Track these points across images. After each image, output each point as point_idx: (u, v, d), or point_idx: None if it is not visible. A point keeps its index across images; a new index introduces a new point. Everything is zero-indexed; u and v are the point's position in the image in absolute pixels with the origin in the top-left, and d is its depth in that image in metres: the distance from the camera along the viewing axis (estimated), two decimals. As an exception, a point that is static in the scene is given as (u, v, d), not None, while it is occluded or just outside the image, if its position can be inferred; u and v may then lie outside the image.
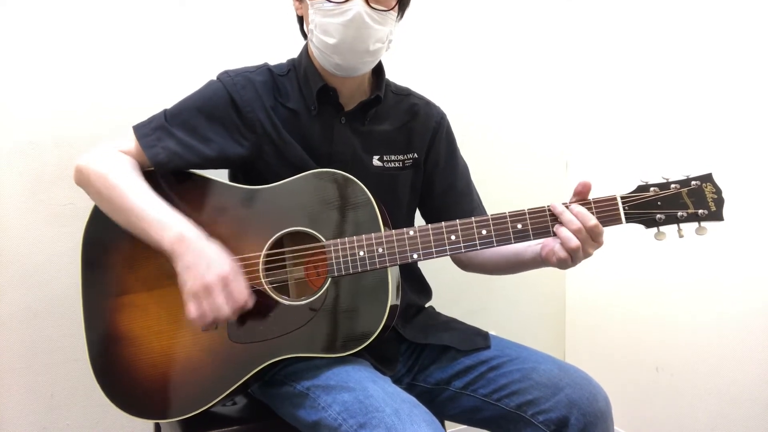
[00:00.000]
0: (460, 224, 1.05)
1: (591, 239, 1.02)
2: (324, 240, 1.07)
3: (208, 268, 0.98)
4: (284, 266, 1.12)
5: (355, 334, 1.05)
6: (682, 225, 1.02)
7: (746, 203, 1.44)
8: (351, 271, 1.05)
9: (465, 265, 1.36)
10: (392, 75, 1.31)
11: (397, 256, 1.05)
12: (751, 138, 1.47)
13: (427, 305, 1.35)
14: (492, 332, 1.24)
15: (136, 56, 1.43)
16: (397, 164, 1.25)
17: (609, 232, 1.04)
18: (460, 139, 1.36)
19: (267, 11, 1.53)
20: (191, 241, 1.00)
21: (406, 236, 1.05)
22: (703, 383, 1.61)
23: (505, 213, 1.04)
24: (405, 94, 1.31)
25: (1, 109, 1.33)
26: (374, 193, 1.08)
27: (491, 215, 1.05)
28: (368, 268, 1.05)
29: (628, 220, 1.03)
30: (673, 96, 1.65)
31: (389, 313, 1.05)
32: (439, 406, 1.20)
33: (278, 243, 1.10)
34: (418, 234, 1.05)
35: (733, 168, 1.43)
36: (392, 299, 1.06)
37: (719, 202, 1.01)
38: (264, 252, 1.08)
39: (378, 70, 1.25)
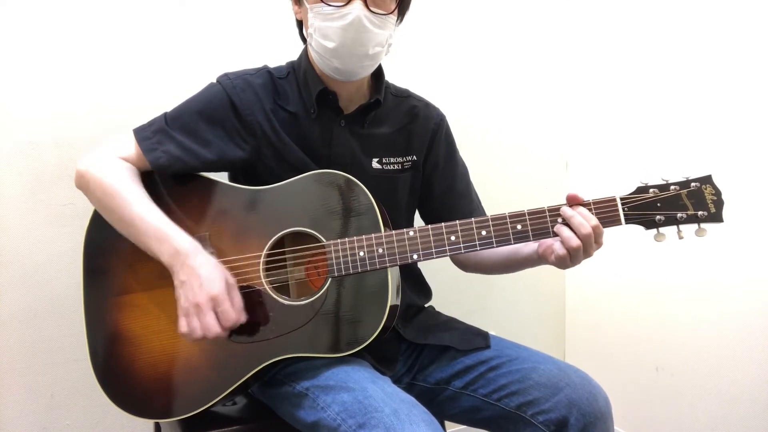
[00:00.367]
0: (460, 225, 1.05)
1: (592, 240, 1.02)
2: (324, 240, 1.07)
3: (201, 288, 0.99)
4: (285, 266, 1.12)
5: (354, 334, 1.05)
6: (681, 226, 1.02)
7: (746, 204, 1.44)
8: (351, 271, 1.05)
9: (464, 265, 1.36)
10: (392, 77, 1.31)
11: (397, 256, 1.05)
12: (750, 139, 1.47)
13: (427, 305, 1.35)
14: (492, 332, 1.24)
15: (136, 57, 1.43)
16: (396, 167, 1.25)
17: (609, 233, 1.04)
18: (459, 141, 1.36)
19: (267, 12, 1.53)
20: (186, 257, 1.01)
21: (406, 237, 1.05)
22: (703, 383, 1.61)
23: (504, 214, 1.04)
24: (404, 96, 1.31)
25: (1, 109, 1.33)
26: (373, 196, 1.08)
27: (491, 216, 1.05)
28: (368, 268, 1.05)
29: (628, 221, 1.03)
30: (672, 97, 1.65)
31: (389, 313, 1.05)
32: (439, 405, 1.20)
33: (279, 243, 1.10)
34: (418, 234, 1.05)
35: (732, 169, 1.44)
36: (392, 299, 1.06)
37: (719, 203, 1.01)
38: (264, 252, 1.09)
39: (378, 74, 1.25)
